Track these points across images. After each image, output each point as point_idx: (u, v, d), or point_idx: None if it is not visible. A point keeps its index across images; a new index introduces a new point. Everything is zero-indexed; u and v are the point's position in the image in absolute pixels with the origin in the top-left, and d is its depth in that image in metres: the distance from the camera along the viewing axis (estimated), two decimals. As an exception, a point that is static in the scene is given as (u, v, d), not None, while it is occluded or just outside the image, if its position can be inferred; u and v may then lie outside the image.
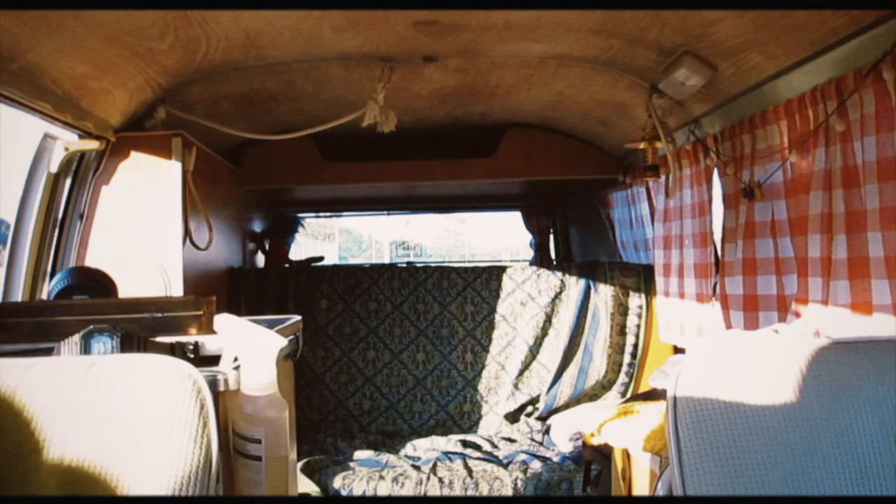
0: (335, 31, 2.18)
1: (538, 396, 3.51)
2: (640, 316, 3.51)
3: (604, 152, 3.68)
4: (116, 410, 1.10)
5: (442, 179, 3.74)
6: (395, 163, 3.68)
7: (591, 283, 3.54)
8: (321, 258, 4.90)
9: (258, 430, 1.52)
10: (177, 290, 2.50)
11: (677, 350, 3.29)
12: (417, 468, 2.90)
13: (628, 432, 2.25)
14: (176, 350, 1.54)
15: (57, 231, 2.46)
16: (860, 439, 1.10)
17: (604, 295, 3.51)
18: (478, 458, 3.04)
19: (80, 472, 1.07)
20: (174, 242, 2.52)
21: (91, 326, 1.50)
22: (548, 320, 3.56)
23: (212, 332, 1.63)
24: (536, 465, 2.92)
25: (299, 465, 2.82)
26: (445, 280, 3.62)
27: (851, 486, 1.08)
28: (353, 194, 4.53)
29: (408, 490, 2.77)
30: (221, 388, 1.48)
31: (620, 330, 3.51)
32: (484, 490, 2.78)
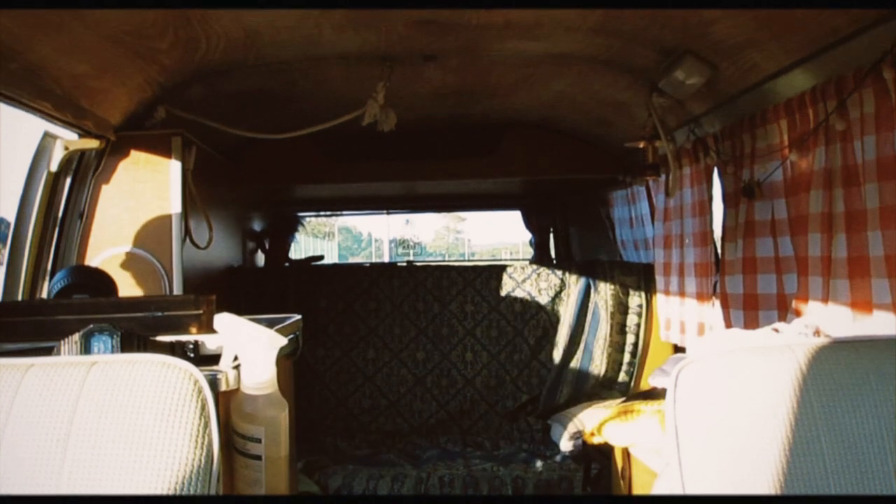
0: (335, 30, 2.18)
1: (538, 396, 3.51)
2: (640, 315, 3.51)
3: (604, 151, 3.68)
4: (117, 410, 1.10)
5: (442, 179, 3.74)
6: (395, 162, 3.68)
7: (591, 282, 3.54)
8: (321, 257, 4.90)
9: (258, 429, 1.52)
10: (177, 290, 2.50)
11: (677, 349, 3.29)
12: (417, 468, 2.90)
13: (628, 432, 2.25)
14: (176, 349, 1.54)
15: (57, 230, 2.46)
16: (860, 439, 1.10)
17: (604, 294, 3.51)
18: (478, 458, 3.04)
19: (81, 472, 1.07)
20: (174, 241, 2.53)
21: (91, 326, 1.50)
22: (548, 319, 3.56)
23: (212, 331, 1.63)
24: (536, 465, 2.92)
25: (299, 464, 2.83)
26: (445, 279, 3.62)
27: (851, 486, 1.08)
28: (353, 193, 4.54)
29: (408, 489, 2.77)
30: (222, 387, 1.48)
31: (620, 329, 3.51)
32: (484, 490, 2.78)
